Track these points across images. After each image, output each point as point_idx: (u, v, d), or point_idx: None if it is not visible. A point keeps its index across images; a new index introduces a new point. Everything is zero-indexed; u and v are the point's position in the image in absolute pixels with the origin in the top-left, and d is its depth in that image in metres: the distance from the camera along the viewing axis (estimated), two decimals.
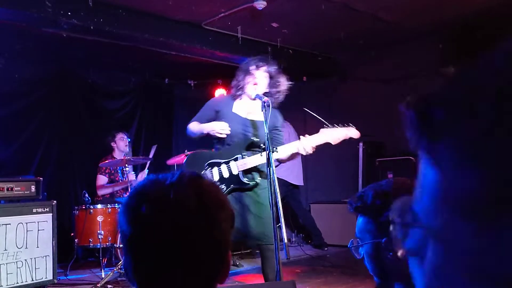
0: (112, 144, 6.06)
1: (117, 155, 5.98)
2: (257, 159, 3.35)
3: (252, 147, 3.42)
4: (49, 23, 4.65)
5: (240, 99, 3.50)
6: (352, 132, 3.49)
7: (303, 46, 6.62)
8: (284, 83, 3.53)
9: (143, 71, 7.29)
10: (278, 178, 6.09)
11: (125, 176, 5.85)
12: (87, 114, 6.78)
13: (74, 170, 6.57)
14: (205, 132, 3.46)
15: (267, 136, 3.16)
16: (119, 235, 5.10)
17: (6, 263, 4.00)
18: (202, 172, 3.41)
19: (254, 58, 3.51)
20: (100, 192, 5.87)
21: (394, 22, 5.61)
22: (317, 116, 3.35)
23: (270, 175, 3.11)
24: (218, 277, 1.03)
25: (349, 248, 1.36)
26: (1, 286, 3.93)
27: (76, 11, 4.61)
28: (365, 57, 6.78)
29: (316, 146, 3.38)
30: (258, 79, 3.42)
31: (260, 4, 4.86)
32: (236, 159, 3.40)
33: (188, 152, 5.48)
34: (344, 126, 3.50)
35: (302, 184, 6.72)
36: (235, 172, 3.38)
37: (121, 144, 6.03)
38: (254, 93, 3.39)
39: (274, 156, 3.27)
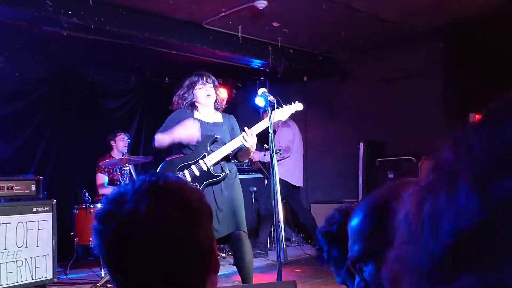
0: (112, 142, 6.05)
1: (116, 154, 5.98)
2: (222, 152, 3.68)
3: (215, 143, 3.76)
4: (49, 22, 4.65)
5: (197, 110, 3.86)
6: (297, 106, 3.96)
7: (303, 45, 6.62)
8: (224, 92, 4.10)
9: (143, 70, 7.29)
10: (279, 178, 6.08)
11: (124, 176, 5.85)
12: (87, 113, 6.77)
13: (74, 169, 6.56)
14: (176, 139, 3.73)
15: (271, 136, 3.48)
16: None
17: (6, 262, 4.00)
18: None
19: (194, 75, 3.88)
20: (101, 191, 5.87)
21: (395, 22, 5.61)
22: (274, 99, 3.69)
23: (272, 176, 3.30)
24: (210, 273, 1.01)
25: None
26: (1, 285, 3.93)
27: (76, 10, 4.61)
28: (366, 57, 6.77)
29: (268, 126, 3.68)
30: (208, 90, 3.82)
31: (261, 4, 4.86)
32: (203, 157, 3.70)
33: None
34: (291, 104, 3.95)
35: (302, 185, 6.72)
36: (205, 168, 3.67)
37: (121, 145, 6.02)
38: (208, 102, 3.82)
39: (222, 153, 3.66)
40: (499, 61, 5.15)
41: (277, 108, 3.83)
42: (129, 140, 6.10)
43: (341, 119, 7.18)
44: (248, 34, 5.95)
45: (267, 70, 6.80)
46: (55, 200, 4.45)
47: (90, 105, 6.83)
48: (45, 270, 4.26)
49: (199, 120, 3.77)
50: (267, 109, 3.56)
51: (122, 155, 5.83)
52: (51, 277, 4.30)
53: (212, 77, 3.94)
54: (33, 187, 4.37)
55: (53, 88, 6.44)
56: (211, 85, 3.89)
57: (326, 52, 6.96)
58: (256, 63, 6.48)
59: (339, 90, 7.28)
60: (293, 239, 7.10)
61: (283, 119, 4.02)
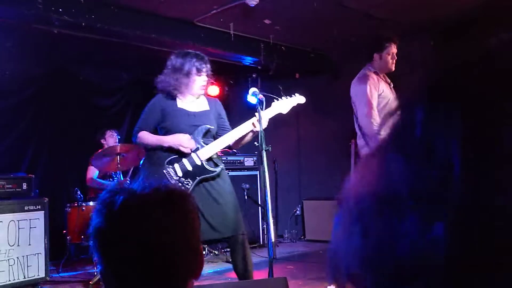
0: (102, 141, 6.06)
1: None
2: (217, 145, 3.42)
3: (208, 135, 3.46)
4: (40, 20, 4.62)
5: (180, 97, 3.50)
6: (299, 99, 3.73)
7: (295, 43, 6.63)
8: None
9: (135, 68, 7.27)
10: None
11: (117, 173, 5.84)
12: (79, 111, 6.74)
13: (66, 167, 6.54)
14: (166, 145, 3.39)
15: (261, 134, 3.24)
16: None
17: None
18: (163, 171, 3.41)
19: (189, 56, 3.52)
20: (90, 184, 5.88)
21: (386, 20, 5.63)
22: (268, 94, 3.56)
23: (263, 172, 3.17)
24: (192, 275, 1.05)
25: None
26: None
27: (67, 8, 4.59)
28: (358, 54, 6.79)
29: (269, 118, 3.56)
30: (204, 82, 3.50)
31: (252, 1, 4.87)
32: (196, 149, 3.38)
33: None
34: (291, 96, 3.72)
35: None
36: (198, 162, 3.37)
37: (111, 141, 6.03)
38: (200, 91, 3.48)
39: (225, 142, 3.43)
40: None
41: (276, 100, 3.61)
42: (118, 136, 6.12)
43: (333, 116, 7.20)
44: (240, 31, 5.96)
45: (259, 67, 6.81)
46: (46, 199, 4.44)
47: (81, 103, 6.80)
48: (38, 269, 4.25)
49: (184, 110, 3.44)
50: (257, 107, 3.37)
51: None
52: (44, 275, 4.29)
53: (206, 61, 3.60)
54: (24, 186, 4.35)
55: (44, 86, 6.41)
56: (208, 72, 3.53)
57: (318, 50, 6.97)
58: (248, 60, 6.48)
59: (332, 88, 7.30)
60: (286, 235, 7.13)
61: (284, 112, 3.69)
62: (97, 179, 5.92)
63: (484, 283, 0.35)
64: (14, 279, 4.07)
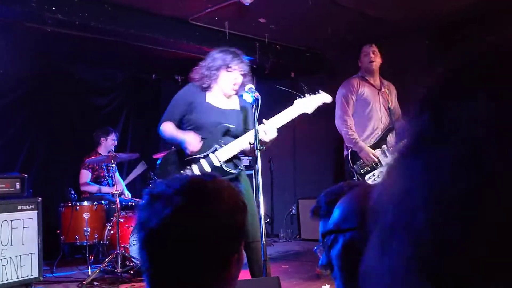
0: (102, 139, 6.00)
1: (102, 151, 5.95)
2: (236, 146, 3.29)
3: (228, 134, 3.35)
4: (33, 18, 4.59)
5: (211, 90, 3.40)
6: (325, 98, 3.64)
7: (290, 41, 6.62)
8: (249, 82, 3.48)
9: (130, 67, 7.24)
10: None
11: (110, 172, 5.81)
12: (74, 110, 6.71)
13: (60, 167, 6.51)
14: (178, 140, 3.31)
15: (256, 133, 3.12)
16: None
17: None
18: (181, 171, 3.33)
19: (231, 52, 3.40)
20: (83, 188, 5.83)
21: (381, 18, 5.63)
22: (287, 90, 3.52)
23: (256, 172, 3.11)
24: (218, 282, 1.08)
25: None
26: None
27: (60, 6, 4.56)
28: (353, 53, 6.78)
29: (292, 119, 3.47)
30: (238, 78, 3.37)
31: (247, 0, 4.85)
32: (215, 150, 3.29)
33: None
34: (315, 93, 3.58)
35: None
36: (217, 163, 3.27)
37: (110, 144, 5.99)
38: (230, 89, 3.36)
39: (242, 145, 3.29)
40: None
41: (299, 97, 3.49)
42: (116, 142, 6.10)
43: (328, 115, 7.18)
44: (235, 30, 5.94)
45: (254, 66, 6.77)
46: (40, 198, 4.41)
47: (76, 102, 6.77)
48: (31, 269, 4.22)
49: (211, 105, 3.35)
50: (253, 105, 3.24)
51: (108, 153, 5.81)
52: (37, 275, 4.26)
53: (246, 61, 3.45)
54: (17, 185, 4.32)
55: (38, 85, 6.37)
56: (242, 71, 3.38)
57: (314, 49, 6.96)
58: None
59: (327, 86, 7.28)
60: (281, 235, 7.12)
61: (309, 112, 3.52)
62: (91, 182, 5.88)
63: None
64: (7, 279, 4.04)
